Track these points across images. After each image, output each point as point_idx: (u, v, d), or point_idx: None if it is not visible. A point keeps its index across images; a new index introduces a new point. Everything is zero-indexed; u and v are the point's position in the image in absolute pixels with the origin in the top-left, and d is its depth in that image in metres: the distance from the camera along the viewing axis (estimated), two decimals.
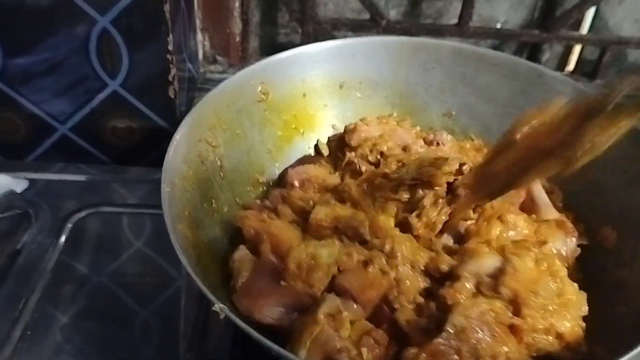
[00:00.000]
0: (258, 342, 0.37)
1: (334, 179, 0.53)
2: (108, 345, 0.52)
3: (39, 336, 0.51)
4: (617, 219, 0.48)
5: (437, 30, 0.75)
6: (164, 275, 0.58)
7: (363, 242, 0.46)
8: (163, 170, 0.46)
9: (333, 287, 0.43)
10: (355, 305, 0.42)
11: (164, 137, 0.50)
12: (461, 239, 0.46)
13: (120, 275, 0.58)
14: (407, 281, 0.43)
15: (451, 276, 0.42)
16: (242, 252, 0.48)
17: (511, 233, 0.46)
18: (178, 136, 0.49)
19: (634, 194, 0.48)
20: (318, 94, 0.60)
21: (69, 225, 0.61)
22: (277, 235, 0.47)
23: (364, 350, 0.40)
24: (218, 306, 0.39)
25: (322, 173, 0.53)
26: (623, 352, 0.36)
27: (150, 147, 0.68)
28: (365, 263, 0.44)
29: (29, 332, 0.51)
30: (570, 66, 0.84)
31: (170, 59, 0.62)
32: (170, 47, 0.61)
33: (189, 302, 0.56)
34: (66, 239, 0.60)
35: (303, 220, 0.48)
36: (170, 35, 0.60)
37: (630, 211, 0.48)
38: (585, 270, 0.47)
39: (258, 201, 0.53)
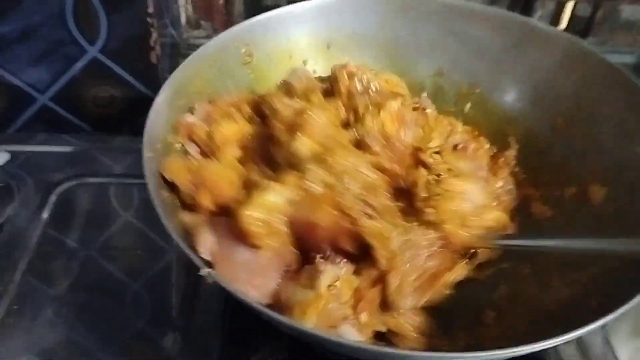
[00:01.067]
0: (250, 308, 0.36)
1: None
2: (98, 318, 0.51)
3: (26, 310, 0.50)
4: (608, 175, 0.47)
5: None
6: (153, 247, 0.57)
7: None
8: (144, 135, 0.44)
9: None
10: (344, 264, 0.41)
11: (148, 105, 0.48)
12: None
13: (108, 248, 0.57)
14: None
15: None
16: (189, 219, 0.44)
17: None
18: (159, 100, 0.47)
19: (628, 148, 0.47)
20: (304, 56, 0.58)
21: (53, 198, 0.60)
22: (215, 184, 0.44)
23: (363, 315, 0.39)
24: (205, 271, 0.38)
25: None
26: (616, 306, 0.35)
27: (134, 115, 0.66)
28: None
29: (15, 307, 0.50)
30: (563, 24, 0.82)
31: (150, 22, 0.60)
32: (150, 10, 0.59)
33: (180, 272, 0.55)
34: (51, 211, 0.58)
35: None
36: None
37: (623, 166, 0.46)
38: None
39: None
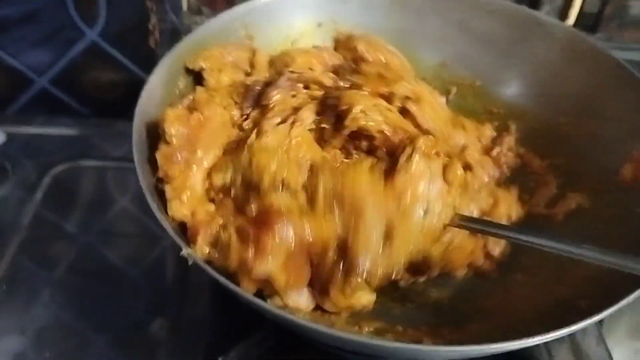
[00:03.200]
0: (232, 295, 0.35)
1: None
2: (91, 301, 0.51)
3: (16, 291, 0.50)
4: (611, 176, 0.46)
5: None
6: (149, 233, 0.57)
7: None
8: (135, 115, 0.43)
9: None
10: None
11: None
12: None
13: (103, 232, 0.56)
14: None
15: None
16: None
17: None
18: (153, 78, 0.46)
19: (634, 147, 0.46)
20: (306, 43, 0.57)
21: (47, 179, 0.59)
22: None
23: None
24: (186, 251, 0.37)
25: None
26: (607, 306, 0.35)
27: (133, 100, 0.65)
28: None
29: (4, 287, 0.50)
30: (571, 20, 0.81)
31: (150, 6, 0.59)
32: None
33: (174, 260, 0.55)
34: (44, 193, 0.58)
35: None
36: None
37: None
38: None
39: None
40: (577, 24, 0.81)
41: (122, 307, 0.50)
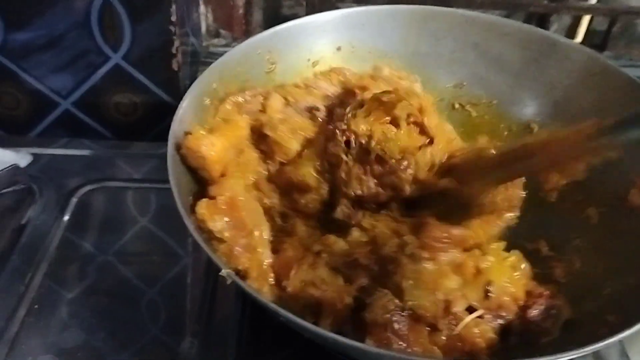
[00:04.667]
0: (269, 313, 0.36)
1: None
2: (114, 322, 0.51)
3: (45, 312, 0.51)
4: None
5: (445, 1, 0.74)
6: (170, 253, 0.57)
7: None
8: (169, 140, 0.45)
9: None
10: None
11: (168, 112, 0.49)
12: None
13: (125, 253, 0.57)
14: None
15: None
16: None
17: None
18: (184, 104, 0.47)
19: None
20: (326, 66, 0.58)
21: (74, 201, 0.60)
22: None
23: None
24: (225, 271, 0.38)
25: None
26: (635, 322, 0.35)
27: (154, 122, 0.67)
28: None
29: (35, 307, 0.51)
30: (579, 38, 0.82)
31: (173, 30, 0.60)
32: (173, 19, 0.60)
33: (196, 279, 0.55)
34: (70, 215, 0.59)
35: None
36: (173, 7, 0.59)
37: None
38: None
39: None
40: (585, 42, 0.82)
41: (145, 326, 0.51)
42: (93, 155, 0.66)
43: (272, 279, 0.41)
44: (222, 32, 0.77)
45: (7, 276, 0.53)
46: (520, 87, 0.56)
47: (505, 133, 0.56)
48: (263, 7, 0.78)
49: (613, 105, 0.50)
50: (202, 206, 0.41)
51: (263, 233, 0.42)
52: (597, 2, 0.78)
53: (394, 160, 0.44)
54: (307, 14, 0.71)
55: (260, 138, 0.49)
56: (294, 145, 0.49)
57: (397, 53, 0.58)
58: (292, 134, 0.49)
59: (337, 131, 0.46)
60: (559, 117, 0.54)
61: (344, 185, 0.45)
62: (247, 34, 0.76)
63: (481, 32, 0.57)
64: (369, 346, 0.36)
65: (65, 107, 0.66)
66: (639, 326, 0.35)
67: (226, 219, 0.41)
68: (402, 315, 0.37)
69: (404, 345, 0.36)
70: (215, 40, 0.77)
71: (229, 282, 0.38)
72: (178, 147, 0.45)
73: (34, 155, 0.64)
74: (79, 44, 0.61)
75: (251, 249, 0.41)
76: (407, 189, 0.45)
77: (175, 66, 0.63)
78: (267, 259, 0.42)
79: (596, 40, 0.82)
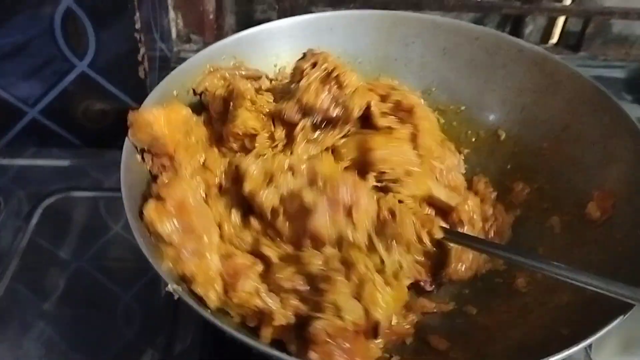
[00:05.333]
0: (221, 330, 0.36)
1: None
2: (85, 329, 0.51)
3: (11, 321, 0.50)
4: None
5: (416, 4, 0.73)
6: (142, 260, 0.57)
7: None
8: (123, 151, 0.44)
9: None
10: None
11: None
12: None
13: (97, 260, 0.57)
14: None
15: None
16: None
17: None
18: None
19: (612, 174, 0.47)
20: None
21: (39, 210, 0.60)
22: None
23: None
24: (172, 287, 0.37)
25: None
26: (587, 335, 0.35)
27: (124, 130, 0.66)
28: None
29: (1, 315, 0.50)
30: (554, 39, 0.83)
31: (138, 37, 0.60)
32: (137, 26, 0.59)
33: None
34: (38, 223, 0.59)
35: None
36: (137, 14, 0.58)
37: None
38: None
39: None
40: (560, 43, 0.82)
41: (118, 332, 0.51)
42: (62, 165, 0.66)
43: (218, 287, 0.40)
44: (193, 37, 0.76)
45: None
46: (488, 93, 0.56)
47: (473, 139, 0.56)
48: (235, 12, 0.77)
49: (577, 110, 0.50)
50: (151, 208, 0.40)
51: (212, 238, 0.41)
52: (571, 3, 0.78)
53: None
54: (279, 18, 0.70)
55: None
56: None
57: (366, 58, 0.58)
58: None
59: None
60: (526, 123, 0.54)
61: (300, 93, 0.45)
62: (219, 38, 0.75)
63: (450, 37, 0.56)
64: None
65: (32, 115, 0.65)
66: (590, 340, 0.34)
67: (175, 222, 0.40)
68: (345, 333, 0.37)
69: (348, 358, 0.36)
70: (187, 46, 0.76)
71: (176, 297, 0.37)
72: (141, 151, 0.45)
73: (1, 166, 0.64)
74: (44, 52, 0.60)
75: (199, 254, 0.40)
76: (356, 113, 0.46)
77: (141, 73, 0.62)
78: (215, 265, 0.41)
79: (571, 41, 0.82)
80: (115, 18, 0.58)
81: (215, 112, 0.49)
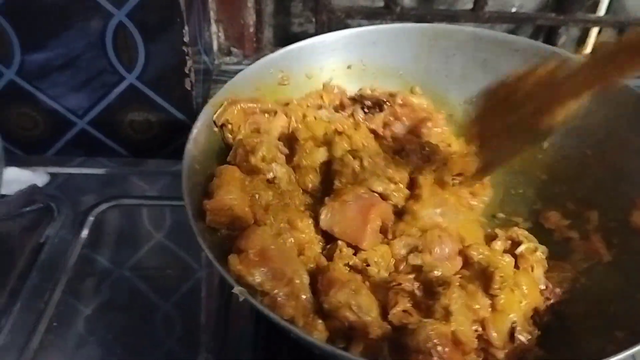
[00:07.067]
0: (281, 328, 0.37)
1: None
2: (130, 337, 0.52)
3: (64, 328, 0.52)
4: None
5: (452, 16, 0.74)
6: (184, 267, 0.58)
7: None
8: (184, 159, 0.46)
9: None
10: None
11: (182, 129, 0.50)
12: None
13: (141, 268, 0.58)
14: None
15: None
16: None
17: None
18: (198, 124, 0.49)
19: None
20: (337, 83, 0.59)
21: (91, 219, 0.62)
22: None
23: None
24: (238, 289, 0.39)
25: None
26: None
27: (168, 140, 0.68)
28: None
29: (54, 324, 0.52)
30: (587, 50, 0.83)
31: (186, 50, 0.62)
32: (185, 39, 0.61)
33: (210, 293, 0.56)
34: (88, 232, 0.60)
35: None
36: (186, 27, 0.60)
37: None
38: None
39: None
40: None
41: (160, 340, 0.52)
42: (108, 173, 0.68)
43: (320, 324, 0.40)
44: (234, 50, 0.78)
45: (27, 294, 0.54)
46: None
47: None
48: (273, 25, 0.79)
49: (621, 119, 0.51)
50: (236, 262, 0.41)
51: (303, 278, 0.42)
52: (605, 14, 0.79)
53: None
54: (317, 31, 0.72)
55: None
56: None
57: (408, 70, 0.59)
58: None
59: None
60: (569, 132, 0.54)
61: None
62: (258, 51, 0.77)
63: (490, 48, 0.58)
64: None
65: (81, 126, 0.67)
66: None
67: (263, 270, 0.41)
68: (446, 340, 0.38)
69: None
70: (227, 59, 0.78)
71: (241, 299, 0.39)
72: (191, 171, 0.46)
73: (51, 174, 0.66)
74: (94, 65, 0.62)
75: (294, 296, 0.41)
76: None
77: (188, 85, 0.64)
78: (310, 304, 0.41)
79: None
80: (164, 31, 0.60)
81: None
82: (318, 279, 0.42)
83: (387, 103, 0.53)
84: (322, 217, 0.46)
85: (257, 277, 0.40)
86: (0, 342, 0.50)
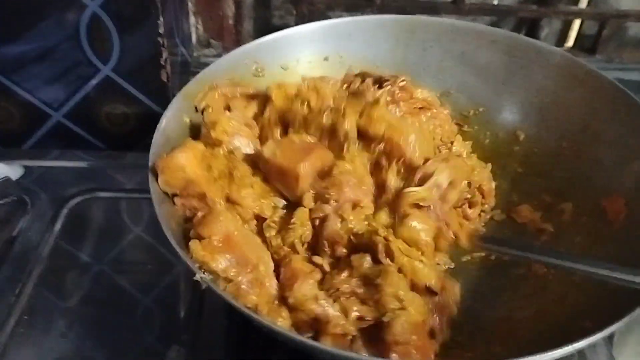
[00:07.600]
0: (247, 318, 0.36)
1: None
2: (104, 330, 0.52)
3: (36, 321, 0.51)
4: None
5: (432, 8, 0.74)
6: (163, 261, 0.58)
7: None
8: (151, 149, 0.45)
9: None
10: None
11: (159, 122, 0.49)
12: None
13: (118, 261, 0.58)
14: None
15: None
16: None
17: None
18: (169, 114, 0.48)
19: (631, 172, 0.47)
20: (314, 76, 0.58)
21: (65, 211, 0.61)
22: None
23: None
24: (199, 276, 0.38)
25: None
26: (609, 323, 0.35)
27: (146, 132, 0.66)
28: None
29: (25, 317, 0.51)
30: (570, 42, 0.83)
31: (161, 42, 0.61)
32: (161, 30, 0.60)
33: (188, 287, 0.56)
34: (62, 225, 0.60)
35: None
36: (161, 18, 0.59)
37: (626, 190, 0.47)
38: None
39: None
40: (576, 46, 0.83)
41: (139, 334, 0.51)
42: (85, 167, 0.67)
43: (285, 311, 0.40)
44: (213, 42, 0.78)
45: None
46: (507, 94, 0.56)
47: (487, 141, 0.57)
48: (253, 17, 0.78)
49: (597, 110, 0.51)
50: (198, 248, 0.39)
51: (268, 265, 0.41)
52: (587, 6, 0.79)
53: None
54: (297, 23, 0.71)
55: None
56: None
57: (385, 62, 0.59)
58: None
59: None
60: (545, 123, 0.54)
61: None
62: (238, 43, 0.76)
63: (468, 40, 0.57)
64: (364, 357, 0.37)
65: (57, 119, 0.66)
66: (615, 326, 0.35)
67: (227, 256, 0.40)
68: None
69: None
70: (206, 51, 0.78)
71: (203, 286, 0.38)
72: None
73: (27, 167, 0.65)
74: (69, 57, 0.62)
75: (258, 283, 0.40)
76: None
77: (164, 77, 0.63)
78: (274, 290, 0.41)
79: (587, 44, 0.82)
80: (139, 23, 0.59)
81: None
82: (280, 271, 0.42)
83: (388, 82, 0.52)
84: (265, 147, 0.45)
85: (221, 263, 0.39)
86: None
